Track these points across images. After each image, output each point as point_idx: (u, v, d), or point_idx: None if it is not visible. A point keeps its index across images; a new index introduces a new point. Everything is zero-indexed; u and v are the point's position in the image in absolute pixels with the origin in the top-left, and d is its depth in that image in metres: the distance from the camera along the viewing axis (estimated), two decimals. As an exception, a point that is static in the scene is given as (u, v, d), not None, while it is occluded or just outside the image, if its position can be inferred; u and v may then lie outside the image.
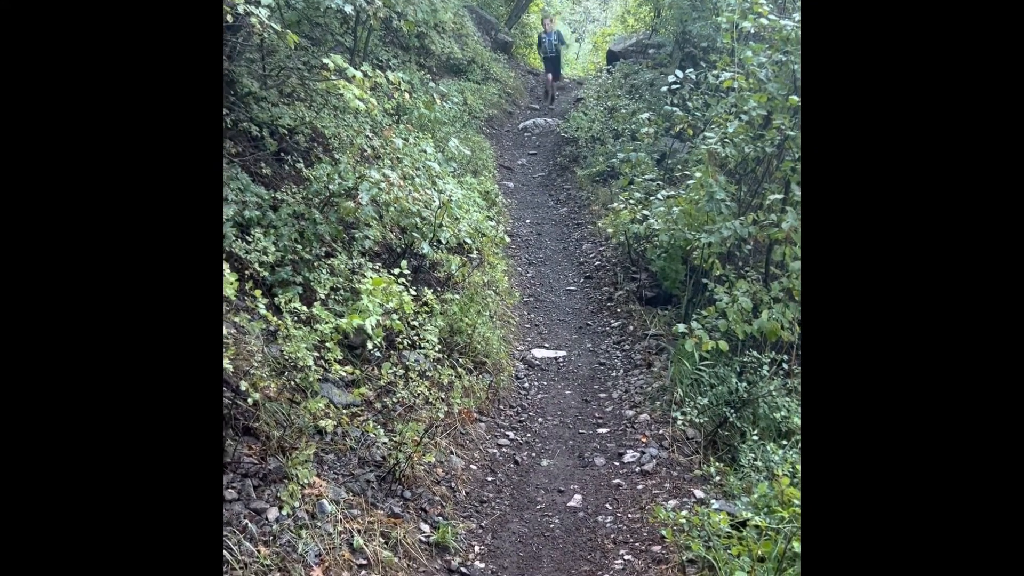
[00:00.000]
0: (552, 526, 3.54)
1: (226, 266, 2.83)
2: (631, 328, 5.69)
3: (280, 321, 3.22)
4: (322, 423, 3.26)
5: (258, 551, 2.67)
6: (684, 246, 5.37)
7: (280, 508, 2.89)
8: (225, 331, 2.59)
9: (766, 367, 4.28)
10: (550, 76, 12.98)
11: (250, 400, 3.00)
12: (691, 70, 6.14)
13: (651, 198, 6.06)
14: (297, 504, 2.94)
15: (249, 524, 2.75)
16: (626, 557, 3.20)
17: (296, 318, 3.40)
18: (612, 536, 3.41)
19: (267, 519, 2.83)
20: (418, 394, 3.83)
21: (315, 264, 4.03)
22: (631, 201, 6.20)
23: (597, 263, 6.94)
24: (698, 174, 5.29)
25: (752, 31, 6.81)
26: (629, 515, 3.56)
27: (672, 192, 5.83)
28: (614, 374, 5.14)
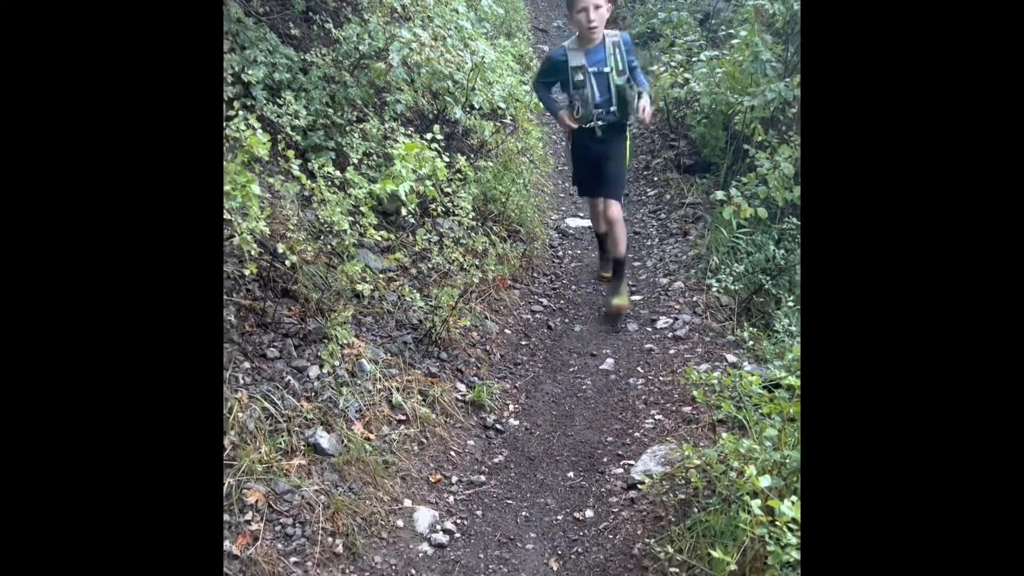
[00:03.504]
0: (584, 387, 3.63)
1: (258, 128, 2.80)
2: (668, 197, 5.60)
3: (314, 186, 3.21)
4: (359, 287, 3.31)
5: (301, 406, 2.79)
6: (726, 111, 5.17)
7: (321, 366, 2.98)
8: (260, 192, 2.59)
9: (805, 235, 4.21)
10: (611, 206, 4.03)
11: (288, 263, 3.04)
12: (741, -82, 5.71)
13: (693, 60, 5.80)
14: (337, 363, 3.03)
15: (292, 380, 2.85)
16: (656, 417, 3.28)
17: (330, 183, 3.38)
18: (643, 397, 3.49)
19: (308, 376, 2.94)
20: (452, 260, 3.85)
21: (347, 129, 3.97)
22: (672, 64, 5.95)
23: (634, 130, 6.75)
24: (743, 33, 5.02)
25: None
26: (660, 378, 3.62)
27: (715, 54, 5.56)
28: (649, 243, 5.10)
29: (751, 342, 3.69)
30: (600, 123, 3.89)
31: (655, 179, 5.87)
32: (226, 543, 2.30)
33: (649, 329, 4.11)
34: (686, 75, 5.59)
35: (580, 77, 3.82)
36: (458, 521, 2.75)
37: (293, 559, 2.38)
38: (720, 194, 4.18)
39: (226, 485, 2.41)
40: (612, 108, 3.86)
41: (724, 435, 2.44)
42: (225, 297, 2.91)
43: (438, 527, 2.70)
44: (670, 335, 3.99)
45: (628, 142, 4.10)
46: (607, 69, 3.81)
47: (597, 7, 3.71)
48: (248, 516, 2.42)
